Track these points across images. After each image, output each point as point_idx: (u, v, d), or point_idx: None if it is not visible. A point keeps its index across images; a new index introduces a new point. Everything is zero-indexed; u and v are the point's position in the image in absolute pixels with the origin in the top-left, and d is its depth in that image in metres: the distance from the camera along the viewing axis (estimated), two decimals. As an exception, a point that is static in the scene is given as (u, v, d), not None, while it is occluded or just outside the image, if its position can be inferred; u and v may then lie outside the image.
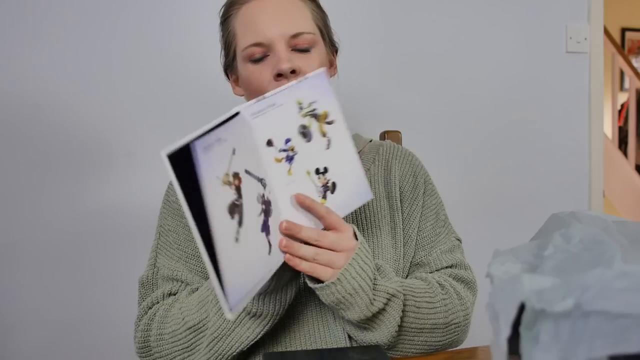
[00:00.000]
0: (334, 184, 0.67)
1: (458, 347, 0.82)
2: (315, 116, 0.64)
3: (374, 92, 1.66)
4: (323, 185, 0.67)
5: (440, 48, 1.74)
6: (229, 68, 0.85)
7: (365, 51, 1.65)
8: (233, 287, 0.51)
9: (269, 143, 0.62)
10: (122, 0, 1.45)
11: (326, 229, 0.67)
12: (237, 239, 0.52)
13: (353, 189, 0.69)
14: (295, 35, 0.76)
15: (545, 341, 0.36)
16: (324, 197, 0.67)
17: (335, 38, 0.88)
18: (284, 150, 0.63)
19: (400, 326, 0.73)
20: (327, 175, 0.67)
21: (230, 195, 0.52)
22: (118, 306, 1.44)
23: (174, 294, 0.80)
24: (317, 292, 0.69)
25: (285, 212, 0.64)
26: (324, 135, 0.66)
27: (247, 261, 0.54)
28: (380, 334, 0.72)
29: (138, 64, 1.47)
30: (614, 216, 0.48)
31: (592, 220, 0.47)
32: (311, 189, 0.66)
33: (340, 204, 0.68)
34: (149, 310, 0.79)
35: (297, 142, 0.64)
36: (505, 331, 0.38)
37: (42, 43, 1.41)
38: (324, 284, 0.67)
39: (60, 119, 1.42)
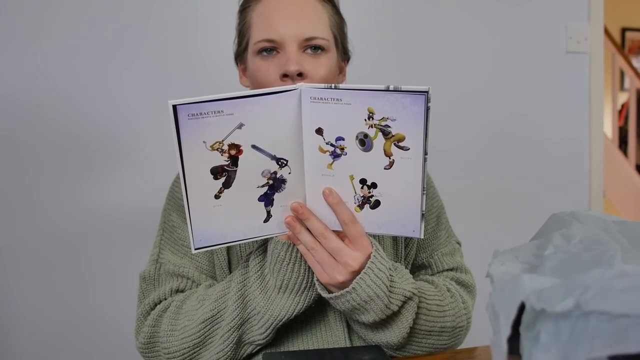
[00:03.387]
0: (377, 202, 0.64)
1: (458, 347, 0.82)
2: (384, 132, 0.61)
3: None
4: (364, 196, 0.65)
5: (440, 48, 1.74)
6: (239, 57, 0.85)
7: (365, 50, 1.65)
8: (202, 230, 0.62)
9: (318, 131, 0.62)
10: (120, 1, 1.45)
11: (343, 236, 0.66)
12: (217, 196, 0.61)
13: (399, 219, 0.65)
14: (308, 39, 0.76)
15: (545, 341, 0.36)
16: (360, 206, 0.65)
17: (350, 46, 0.87)
18: (332, 145, 0.62)
19: (410, 328, 0.74)
20: (374, 190, 0.64)
21: (218, 159, 0.59)
22: (117, 306, 1.44)
23: (182, 291, 0.80)
24: (331, 302, 0.69)
25: (309, 198, 0.65)
26: (387, 154, 0.62)
27: (228, 216, 0.63)
28: (391, 334, 0.72)
29: (138, 64, 1.47)
30: (614, 216, 0.48)
31: (592, 220, 0.47)
32: (348, 193, 0.64)
33: (377, 222, 0.66)
34: (155, 306, 0.79)
35: (351, 145, 0.62)
36: (506, 331, 0.38)
37: (42, 44, 1.41)
38: (339, 293, 0.66)
39: (60, 119, 1.42)
